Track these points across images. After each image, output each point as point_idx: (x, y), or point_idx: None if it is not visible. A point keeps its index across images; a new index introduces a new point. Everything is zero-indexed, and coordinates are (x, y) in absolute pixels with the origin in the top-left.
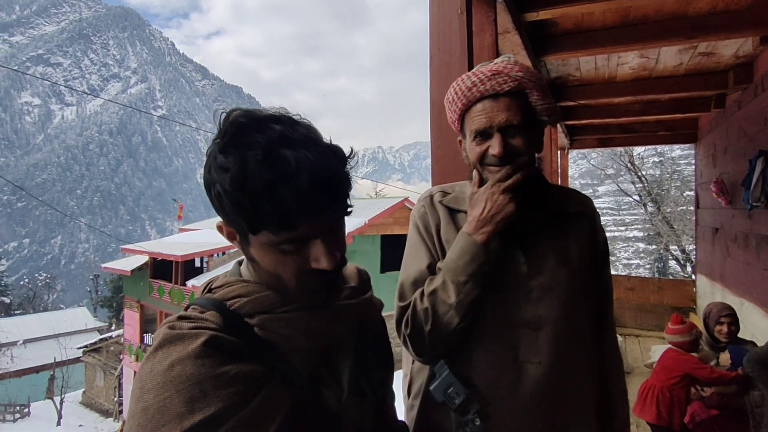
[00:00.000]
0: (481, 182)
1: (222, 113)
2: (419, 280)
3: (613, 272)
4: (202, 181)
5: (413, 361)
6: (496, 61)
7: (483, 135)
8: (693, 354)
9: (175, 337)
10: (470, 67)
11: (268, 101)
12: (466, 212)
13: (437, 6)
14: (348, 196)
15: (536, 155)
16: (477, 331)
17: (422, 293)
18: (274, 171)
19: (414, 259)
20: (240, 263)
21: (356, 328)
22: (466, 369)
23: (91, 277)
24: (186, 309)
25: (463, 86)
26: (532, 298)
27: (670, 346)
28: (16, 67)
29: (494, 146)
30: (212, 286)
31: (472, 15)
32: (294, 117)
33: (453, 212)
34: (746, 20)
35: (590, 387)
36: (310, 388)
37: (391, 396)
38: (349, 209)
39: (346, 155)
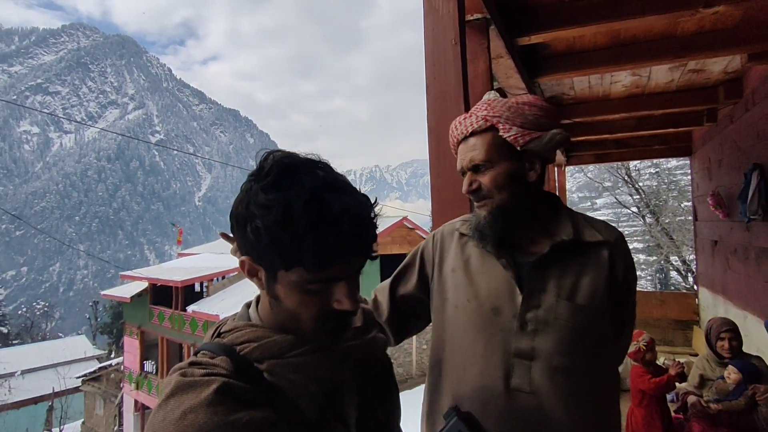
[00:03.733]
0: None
1: (263, 153)
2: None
3: None
4: (234, 217)
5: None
6: (479, 103)
7: (464, 174)
8: (636, 363)
9: (188, 385)
10: (465, 95)
11: (266, 124)
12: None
13: (432, 38)
14: (375, 242)
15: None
16: (472, 353)
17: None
18: (320, 213)
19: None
20: (248, 306)
21: (360, 368)
22: (459, 390)
23: (90, 304)
24: (196, 354)
25: (450, 135)
26: (527, 330)
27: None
28: (15, 97)
29: (463, 185)
30: (221, 330)
31: (466, 43)
32: (328, 163)
33: (463, 237)
34: (733, 39)
35: (589, 424)
36: None
37: None
38: (374, 254)
39: (373, 204)
